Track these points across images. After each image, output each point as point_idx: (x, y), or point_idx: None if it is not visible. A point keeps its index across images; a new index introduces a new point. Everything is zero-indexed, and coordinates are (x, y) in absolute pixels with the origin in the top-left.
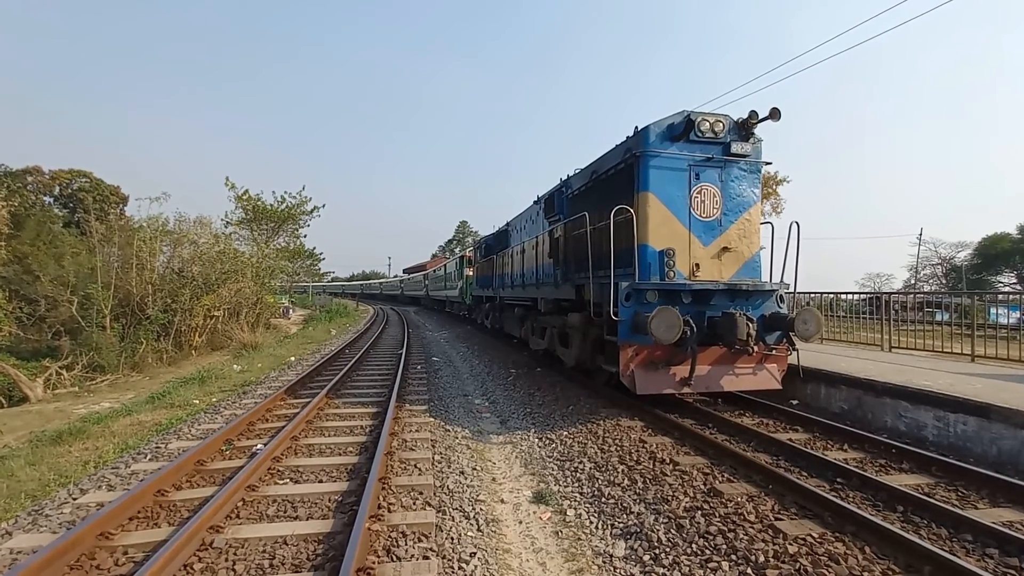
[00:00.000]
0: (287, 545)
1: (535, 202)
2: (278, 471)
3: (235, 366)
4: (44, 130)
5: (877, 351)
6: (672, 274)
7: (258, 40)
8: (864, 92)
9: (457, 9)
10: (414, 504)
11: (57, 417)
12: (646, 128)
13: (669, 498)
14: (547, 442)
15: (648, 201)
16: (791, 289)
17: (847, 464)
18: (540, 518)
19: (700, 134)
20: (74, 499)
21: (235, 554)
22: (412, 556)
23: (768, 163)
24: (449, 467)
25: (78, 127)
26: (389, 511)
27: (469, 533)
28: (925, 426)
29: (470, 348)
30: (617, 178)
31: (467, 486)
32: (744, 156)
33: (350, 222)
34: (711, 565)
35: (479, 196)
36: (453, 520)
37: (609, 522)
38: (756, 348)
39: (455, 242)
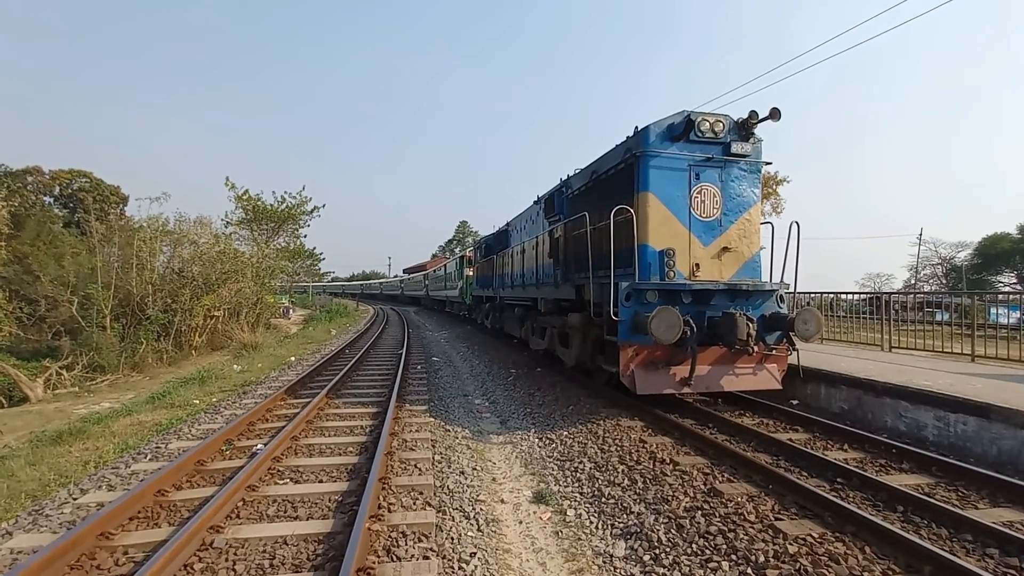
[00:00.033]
0: (287, 545)
1: (535, 202)
2: (278, 471)
3: (235, 366)
4: (44, 130)
5: (877, 351)
6: (672, 274)
7: (258, 40)
8: (864, 92)
9: (457, 9)
10: (414, 504)
11: (57, 417)
12: (646, 128)
13: (669, 498)
14: (547, 442)
15: (648, 201)
16: (791, 289)
17: (847, 464)
18: (540, 518)
19: (700, 134)
20: (74, 499)
21: (235, 554)
22: (412, 556)
23: (768, 163)
24: (449, 467)
25: (78, 127)
26: (389, 511)
27: (469, 533)
28: (925, 426)
29: (470, 348)
30: (617, 178)
31: (467, 486)
32: (744, 156)
33: (350, 222)
34: (711, 565)
35: (479, 196)
36: (453, 520)
37: (609, 522)
38: (756, 348)
39: (455, 242)
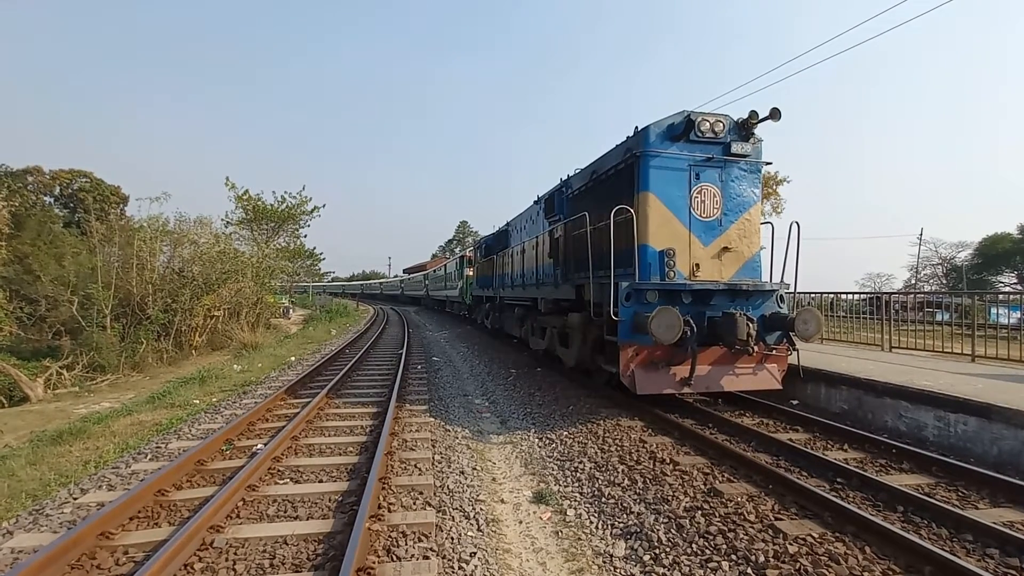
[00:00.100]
0: (287, 545)
1: (535, 202)
2: (278, 471)
3: (235, 366)
4: (44, 130)
5: (877, 351)
6: (672, 274)
7: (258, 40)
8: (865, 92)
9: (457, 8)
10: (414, 504)
11: (58, 417)
12: (646, 128)
13: (669, 498)
14: (547, 442)
15: (648, 201)
16: (791, 289)
17: (847, 464)
18: (540, 518)
19: (700, 134)
20: (75, 499)
21: (235, 554)
22: (412, 556)
23: (768, 163)
24: (449, 467)
25: (78, 127)
26: (389, 511)
27: (469, 533)
28: (926, 426)
29: (470, 348)
30: (617, 178)
31: (467, 486)
32: (744, 156)
33: (350, 222)
34: (711, 565)
35: (479, 196)
36: (453, 520)
37: (609, 522)
38: (756, 348)
39: (455, 242)
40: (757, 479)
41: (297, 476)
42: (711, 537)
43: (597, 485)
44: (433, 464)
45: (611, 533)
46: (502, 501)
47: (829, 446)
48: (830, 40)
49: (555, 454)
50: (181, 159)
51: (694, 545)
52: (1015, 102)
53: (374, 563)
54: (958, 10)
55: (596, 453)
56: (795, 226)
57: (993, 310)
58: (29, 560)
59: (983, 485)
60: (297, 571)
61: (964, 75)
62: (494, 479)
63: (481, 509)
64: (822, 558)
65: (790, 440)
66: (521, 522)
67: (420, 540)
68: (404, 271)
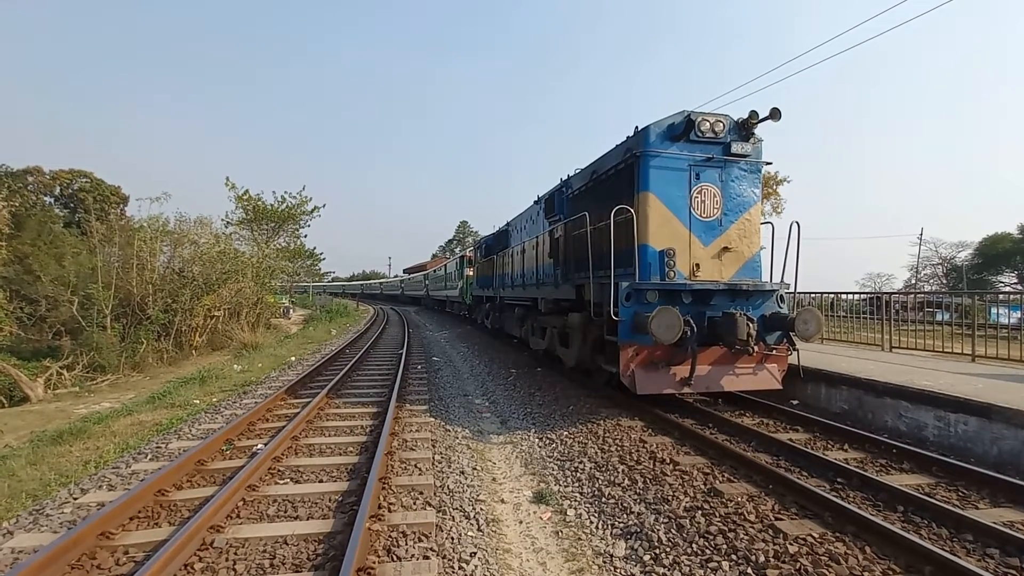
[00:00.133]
0: (287, 545)
1: (535, 202)
2: (278, 471)
3: (235, 366)
4: (44, 130)
5: (878, 351)
6: (672, 274)
7: (258, 40)
8: (865, 92)
9: (457, 8)
10: (414, 504)
11: (58, 417)
12: (646, 128)
13: (669, 498)
14: (547, 442)
15: (648, 201)
16: (791, 289)
17: (847, 464)
18: (540, 518)
19: (700, 134)
20: (75, 499)
21: (235, 554)
22: (412, 556)
23: (768, 163)
24: (449, 467)
25: (78, 127)
26: (389, 511)
27: (469, 533)
28: (926, 426)
29: (470, 348)
30: (617, 178)
31: (467, 486)
32: (744, 156)
33: (350, 222)
34: (711, 565)
35: (479, 196)
36: (453, 520)
37: (609, 522)
38: (756, 348)
39: (455, 242)
40: (757, 479)
41: (297, 476)
42: (711, 537)
43: (597, 485)
44: (433, 464)
45: (611, 533)
46: (502, 501)
47: (829, 446)
48: (830, 40)
49: (555, 454)
50: (181, 159)
51: (694, 545)
52: (1015, 102)
53: (374, 563)
54: (958, 10)
55: (596, 453)
56: (795, 226)
57: (993, 310)
58: (29, 560)
59: (983, 485)
60: (297, 571)
61: (964, 75)
62: (494, 479)
63: (481, 509)
64: (822, 558)
65: (790, 440)
66: (521, 522)
67: (420, 540)
68: (404, 271)
